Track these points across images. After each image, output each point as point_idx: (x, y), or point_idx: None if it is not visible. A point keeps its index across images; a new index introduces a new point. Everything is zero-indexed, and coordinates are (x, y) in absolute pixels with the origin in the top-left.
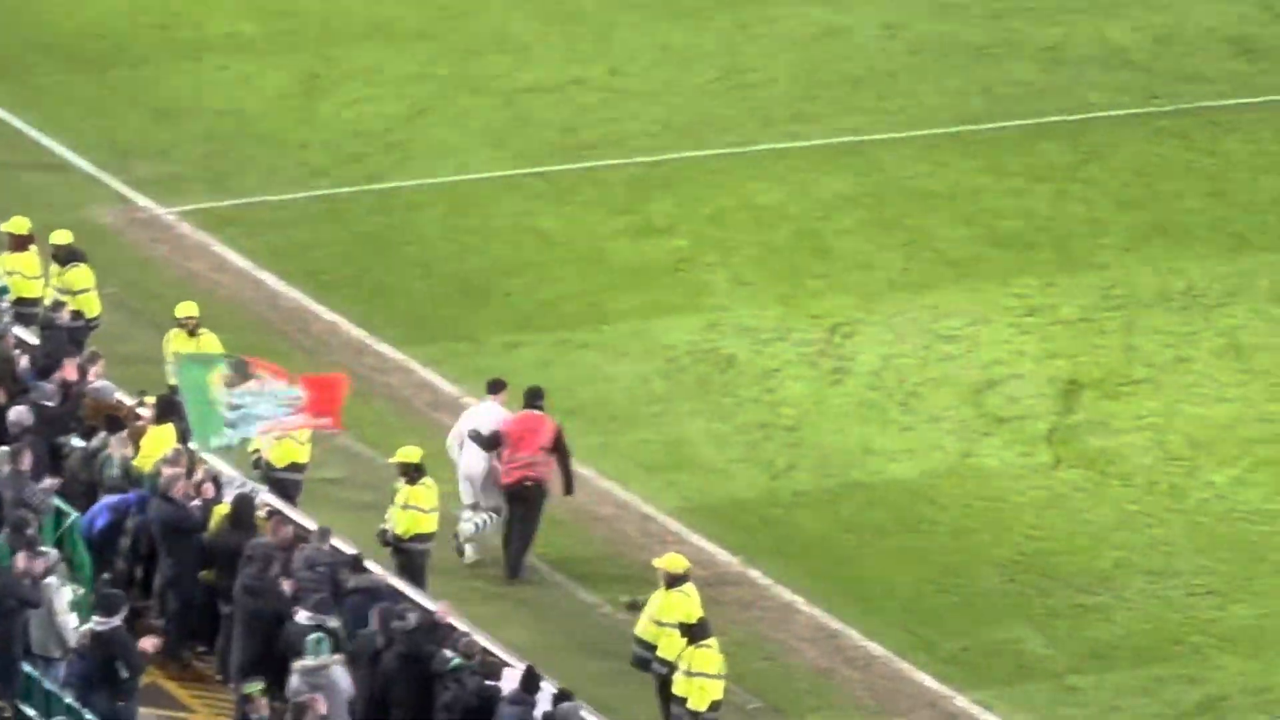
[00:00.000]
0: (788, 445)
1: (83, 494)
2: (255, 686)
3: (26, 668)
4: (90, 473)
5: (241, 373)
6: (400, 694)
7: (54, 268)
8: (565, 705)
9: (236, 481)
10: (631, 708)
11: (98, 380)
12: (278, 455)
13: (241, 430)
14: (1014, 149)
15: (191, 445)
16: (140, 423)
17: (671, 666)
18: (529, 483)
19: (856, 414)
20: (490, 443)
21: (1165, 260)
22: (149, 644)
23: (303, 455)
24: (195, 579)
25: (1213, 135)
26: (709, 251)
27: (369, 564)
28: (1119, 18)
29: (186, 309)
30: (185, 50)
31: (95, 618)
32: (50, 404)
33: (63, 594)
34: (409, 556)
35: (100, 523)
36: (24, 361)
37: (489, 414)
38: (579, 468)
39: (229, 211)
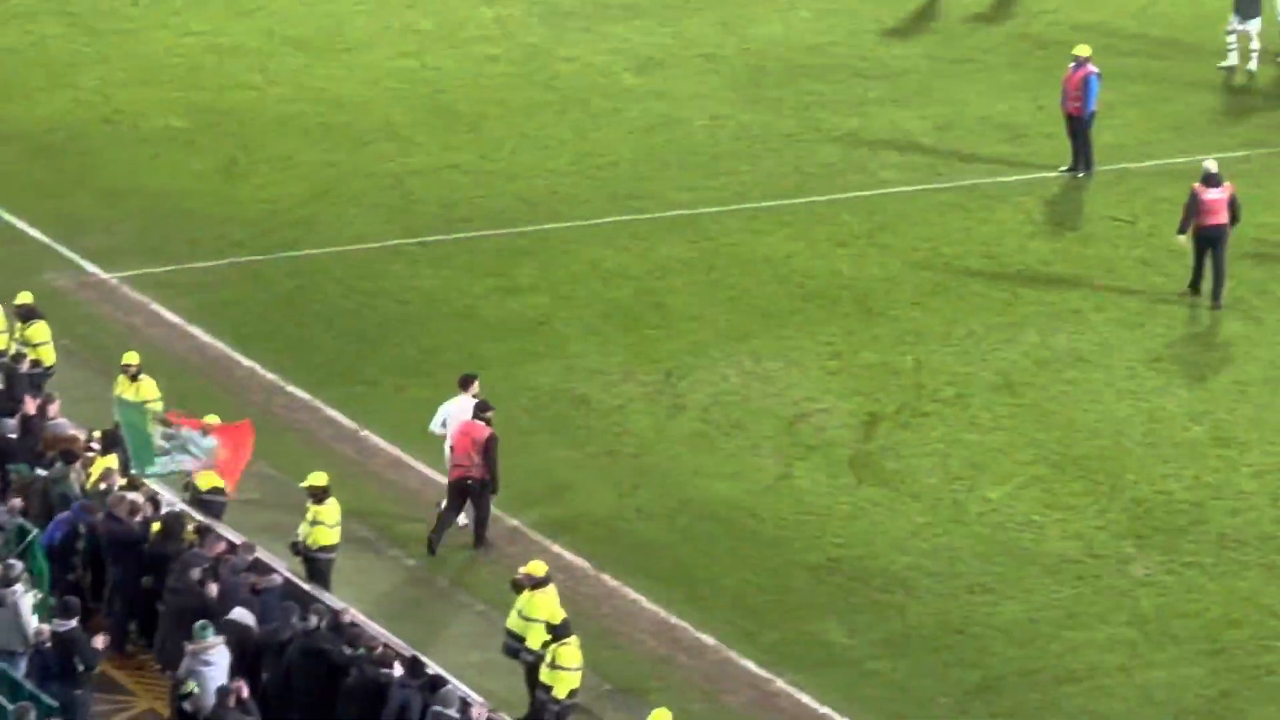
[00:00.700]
0: (633, 469)
1: (41, 514)
2: (191, 687)
3: None
4: (50, 496)
5: (164, 424)
6: (304, 682)
7: (17, 324)
8: (445, 688)
9: (169, 501)
10: (503, 693)
11: (54, 417)
12: (203, 481)
13: (172, 462)
14: (820, 219)
15: (133, 471)
16: (90, 453)
17: (538, 656)
18: (467, 480)
19: (690, 442)
20: (483, 407)
21: (949, 311)
22: (100, 641)
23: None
24: (138, 584)
25: (987, 206)
26: (565, 307)
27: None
28: (908, 108)
29: (129, 358)
30: (126, 141)
31: (55, 620)
32: (12, 436)
33: (26, 599)
34: (316, 564)
35: (57, 536)
36: None
37: (467, 405)
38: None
39: (163, 276)
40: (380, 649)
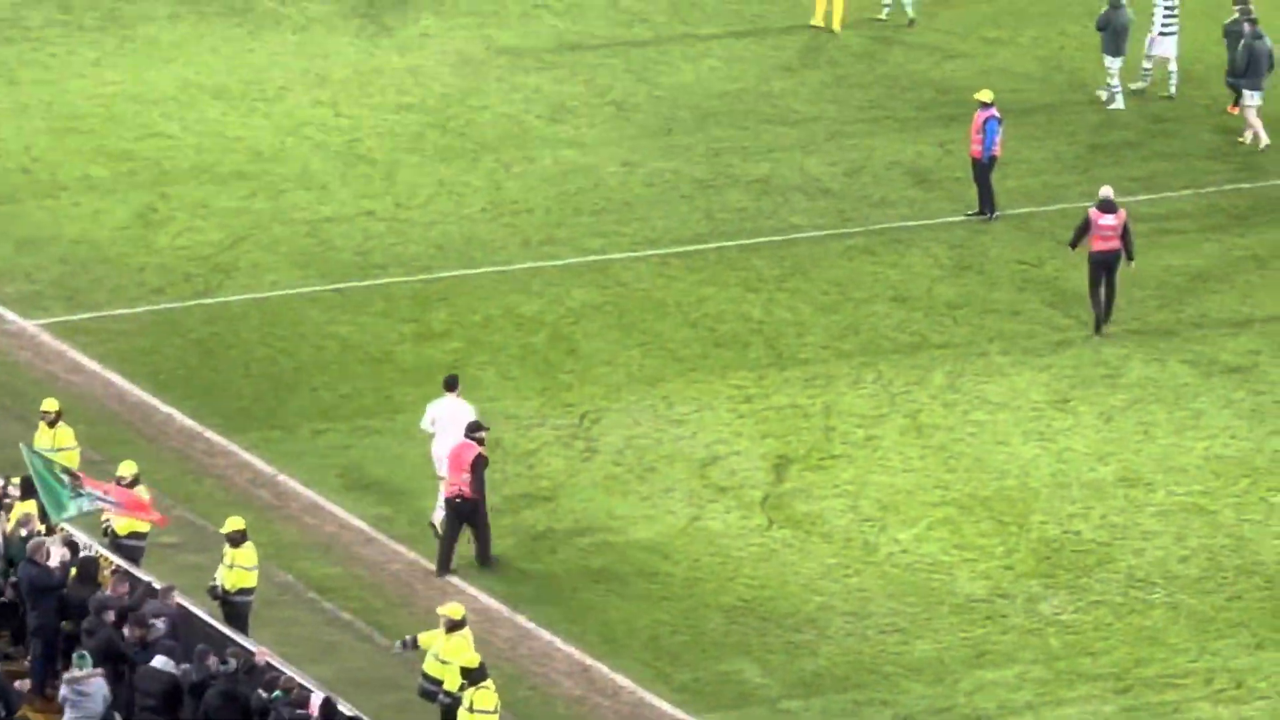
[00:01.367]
0: (546, 512)
1: None
2: None
3: None
4: None
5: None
6: None
7: None
8: None
9: (86, 544)
10: None
11: None
12: (122, 526)
13: (83, 505)
14: (731, 264)
15: (50, 520)
16: (8, 499)
17: (455, 699)
18: (458, 499)
19: (603, 485)
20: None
21: (858, 355)
22: (22, 685)
23: (144, 525)
24: (57, 628)
25: (896, 251)
26: (479, 352)
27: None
28: (817, 154)
29: (47, 404)
30: (45, 190)
31: None
32: None
33: None
34: (234, 607)
35: None
36: None
37: (452, 405)
38: (379, 531)
39: (82, 323)
40: (296, 690)
